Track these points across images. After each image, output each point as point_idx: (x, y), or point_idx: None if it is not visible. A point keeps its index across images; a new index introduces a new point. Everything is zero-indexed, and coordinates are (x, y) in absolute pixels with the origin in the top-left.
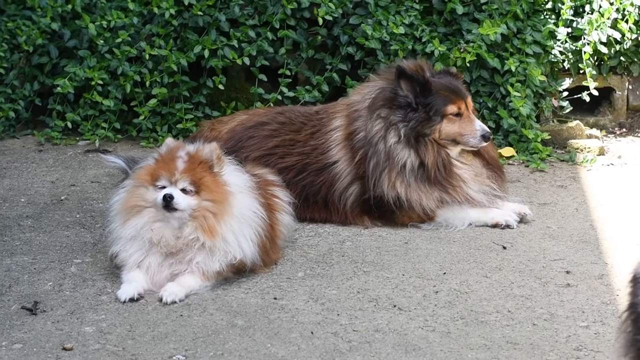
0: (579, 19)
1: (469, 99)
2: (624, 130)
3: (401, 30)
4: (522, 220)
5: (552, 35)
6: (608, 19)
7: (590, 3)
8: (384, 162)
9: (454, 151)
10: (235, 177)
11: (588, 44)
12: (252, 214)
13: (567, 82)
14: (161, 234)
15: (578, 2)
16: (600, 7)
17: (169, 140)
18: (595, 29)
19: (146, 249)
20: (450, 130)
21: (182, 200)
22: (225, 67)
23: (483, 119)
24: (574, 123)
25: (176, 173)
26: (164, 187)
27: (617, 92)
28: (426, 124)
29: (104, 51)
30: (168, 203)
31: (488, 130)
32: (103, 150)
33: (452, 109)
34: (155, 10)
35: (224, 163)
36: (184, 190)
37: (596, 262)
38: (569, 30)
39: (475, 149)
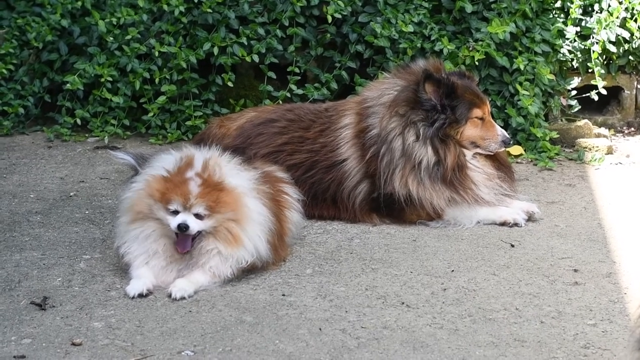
0: (588, 18)
1: (488, 103)
2: (633, 129)
3: (410, 28)
4: (530, 218)
5: (561, 34)
6: (617, 18)
7: (599, 2)
8: (397, 159)
9: (468, 153)
10: (237, 179)
11: (597, 43)
12: (258, 215)
13: (575, 81)
14: (171, 251)
15: (587, 1)
16: (609, 6)
17: (176, 155)
18: (604, 28)
19: (151, 255)
20: (473, 134)
21: (195, 225)
22: (235, 65)
23: (492, 116)
24: (582, 122)
25: (190, 198)
26: (176, 212)
27: (625, 91)
28: (454, 125)
29: (113, 48)
30: (183, 232)
31: (508, 136)
32: (112, 147)
33: (477, 112)
34: (165, 7)
35: (222, 165)
36: (197, 215)
37: (604, 260)
38: (578, 29)
39: (492, 154)
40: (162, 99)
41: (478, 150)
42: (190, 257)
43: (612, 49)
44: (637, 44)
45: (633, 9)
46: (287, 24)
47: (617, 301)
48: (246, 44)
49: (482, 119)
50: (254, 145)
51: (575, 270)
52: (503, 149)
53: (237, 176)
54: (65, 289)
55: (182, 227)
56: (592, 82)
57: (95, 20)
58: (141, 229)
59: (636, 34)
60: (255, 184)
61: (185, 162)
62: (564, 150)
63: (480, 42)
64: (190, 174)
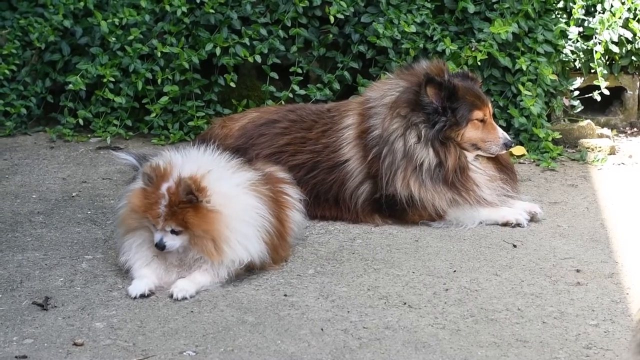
0: (591, 18)
1: (490, 105)
2: (635, 129)
3: (412, 28)
4: (533, 218)
5: (564, 34)
6: (619, 18)
7: (602, 2)
8: (399, 160)
9: (470, 155)
10: (234, 178)
11: (599, 43)
12: (254, 214)
13: (578, 82)
14: (165, 258)
15: (589, 2)
16: (612, 6)
17: (152, 166)
18: (607, 29)
19: (148, 261)
20: (473, 136)
21: (172, 243)
22: (237, 65)
23: (494, 117)
24: (585, 122)
25: (160, 221)
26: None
27: (628, 91)
28: (455, 128)
29: (115, 48)
30: (162, 249)
31: (509, 138)
32: (114, 147)
33: (478, 114)
34: (167, 7)
35: (206, 190)
36: (173, 231)
37: (606, 260)
38: (581, 29)
39: (493, 156)
40: (164, 99)
41: (479, 152)
42: (187, 261)
43: (615, 49)
44: (639, 44)
45: (636, 9)
46: (289, 24)
47: (619, 301)
48: (248, 44)
49: (483, 120)
50: (256, 146)
51: (578, 271)
52: (504, 151)
53: (232, 176)
54: (67, 289)
55: (160, 247)
56: (595, 83)
57: (97, 21)
58: (133, 239)
59: (639, 34)
60: (252, 184)
61: (159, 174)
62: (567, 151)
63: (482, 43)
64: (163, 188)
